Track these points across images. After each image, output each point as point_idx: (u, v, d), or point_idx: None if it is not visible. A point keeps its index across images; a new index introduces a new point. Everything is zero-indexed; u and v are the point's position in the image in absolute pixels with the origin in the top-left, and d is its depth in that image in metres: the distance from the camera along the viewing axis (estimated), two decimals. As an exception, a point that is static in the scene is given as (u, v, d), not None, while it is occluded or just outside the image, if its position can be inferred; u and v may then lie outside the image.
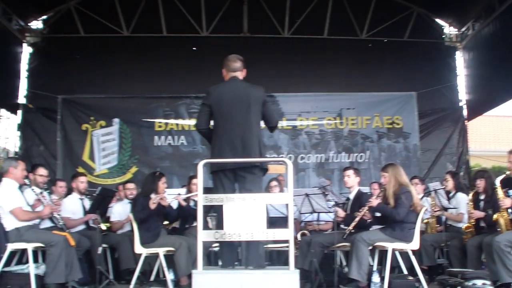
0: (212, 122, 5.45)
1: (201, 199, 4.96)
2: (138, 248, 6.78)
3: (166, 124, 12.21)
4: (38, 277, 6.17)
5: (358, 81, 12.23)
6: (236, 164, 5.20)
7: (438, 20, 13.03)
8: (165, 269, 6.67)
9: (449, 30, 13.04)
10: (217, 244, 7.16)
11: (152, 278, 7.21)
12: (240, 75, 5.55)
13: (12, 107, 12.63)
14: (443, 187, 7.98)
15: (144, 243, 6.76)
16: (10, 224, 6.19)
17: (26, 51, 12.87)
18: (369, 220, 6.75)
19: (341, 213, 7.11)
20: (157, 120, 12.20)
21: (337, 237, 6.69)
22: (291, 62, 12.02)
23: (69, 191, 8.15)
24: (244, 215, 4.86)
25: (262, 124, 5.49)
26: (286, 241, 4.94)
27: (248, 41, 12.22)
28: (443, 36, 13.01)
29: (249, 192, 5.07)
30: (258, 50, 11.39)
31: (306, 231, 8.11)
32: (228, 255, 5.30)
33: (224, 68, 5.60)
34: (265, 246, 6.32)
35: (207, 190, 5.14)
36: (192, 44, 12.45)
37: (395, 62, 12.33)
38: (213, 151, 5.40)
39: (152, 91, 12.23)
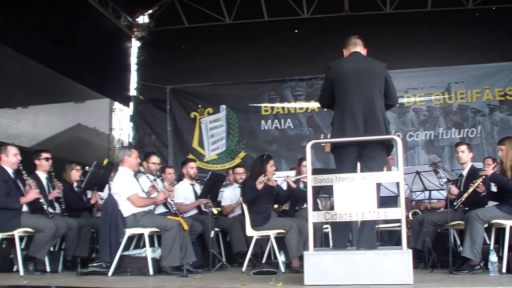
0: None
1: (311, 180, 4.93)
2: (249, 231, 6.85)
3: (272, 108, 12.25)
4: (155, 261, 6.39)
5: (465, 53, 11.66)
6: (358, 141, 5.07)
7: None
8: (276, 251, 6.71)
9: None
10: (327, 225, 7.17)
11: (264, 260, 7.27)
12: (361, 50, 5.40)
13: (125, 100, 13.22)
14: None
15: (255, 226, 6.82)
16: (127, 210, 6.44)
17: (134, 45, 13.42)
18: (483, 194, 6.43)
19: (454, 190, 6.81)
20: (263, 105, 12.27)
21: (450, 215, 6.43)
22: (395, 38, 11.65)
23: (181, 177, 8.38)
24: (355, 195, 4.79)
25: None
26: (398, 221, 4.82)
27: (349, 19, 11.99)
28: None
29: (371, 170, 4.96)
30: (360, 28, 11.09)
31: (417, 210, 7.88)
32: (340, 236, 5.24)
33: (344, 48, 5.47)
34: (377, 226, 6.19)
35: (316, 171, 5.11)
36: (294, 26, 12.38)
37: (504, 30, 11.62)
38: (334, 126, 5.28)
39: (257, 76, 12.29)
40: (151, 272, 6.21)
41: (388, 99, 5.33)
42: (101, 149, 13.10)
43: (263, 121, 12.26)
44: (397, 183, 5.16)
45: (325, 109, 5.18)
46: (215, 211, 7.72)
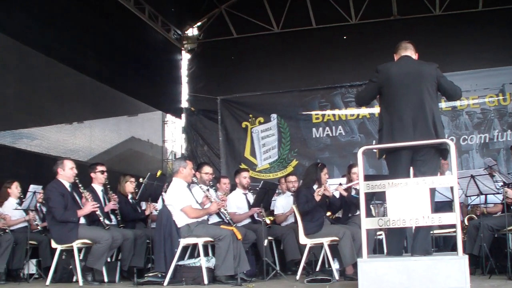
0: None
1: (363, 187, 4.88)
2: (303, 239, 6.83)
3: (323, 115, 12.23)
4: (209, 270, 6.42)
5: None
6: (410, 145, 4.99)
7: None
8: (330, 258, 6.66)
9: None
10: (381, 232, 7.08)
11: (318, 268, 7.23)
12: (412, 54, 5.32)
13: (177, 112, 13.43)
14: None
15: (309, 233, 6.79)
16: (181, 220, 6.50)
17: (184, 57, 13.64)
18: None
19: (511, 193, 6.63)
20: (313, 112, 12.26)
21: (508, 220, 6.25)
22: (445, 40, 11.47)
23: (233, 187, 8.42)
24: (408, 201, 4.72)
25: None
26: (453, 226, 4.72)
27: (398, 23, 11.88)
28: None
29: (424, 175, 4.87)
30: (409, 32, 11.00)
31: (473, 215, 7.69)
32: (394, 242, 5.16)
33: (395, 52, 5.41)
34: (431, 232, 6.07)
35: (369, 178, 5.05)
36: (342, 33, 12.36)
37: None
38: (382, 132, 5.19)
39: (307, 83, 12.30)
40: (205, 281, 6.24)
41: (449, 98, 5.26)
42: (155, 161, 13.31)
43: (314, 129, 12.25)
44: (452, 188, 5.04)
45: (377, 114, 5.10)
46: (268, 220, 7.72)
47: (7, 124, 9.57)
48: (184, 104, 13.38)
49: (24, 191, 7.96)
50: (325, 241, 6.70)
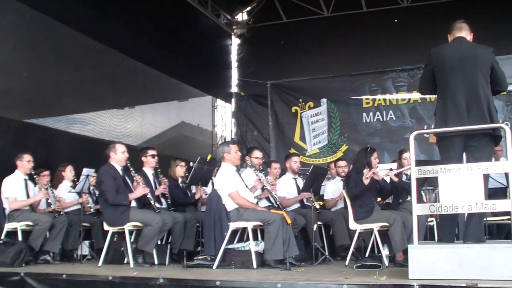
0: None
1: (414, 172, 4.80)
2: (353, 224, 6.77)
3: (374, 100, 12.06)
4: (258, 254, 6.44)
5: None
6: (463, 131, 4.89)
7: None
8: (380, 244, 6.59)
9: None
10: (432, 218, 6.97)
11: (367, 254, 7.17)
12: (466, 35, 5.18)
13: (226, 96, 13.50)
14: None
15: (358, 219, 6.72)
16: (231, 204, 6.53)
17: (234, 42, 13.66)
18: None
19: None
20: (364, 97, 12.11)
21: None
22: (500, 22, 11.07)
23: (283, 172, 8.41)
24: (461, 187, 4.62)
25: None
26: (507, 213, 4.60)
27: (450, 5, 11.51)
28: None
29: (477, 160, 4.76)
30: (462, 13, 10.59)
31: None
32: (446, 229, 5.07)
33: (449, 33, 5.27)
34: (484, 219, 5.93)
35: (420, 163, 4.96)
36: (393, 16, 12.12)
37: None
38: (436, 116, 5.12)
39: (357, 68, 12.13)
40: (254, 265, 6.25)
41: (496, 86, 5.07)
42: (205, 146, 13.42)
43: (364, 114, 12.11)
44: (506, 174, 4.91)
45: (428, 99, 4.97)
46: (317, 205, 7.69)
47: (62, 110, 9.82)
48: (234, 89, 13.43)
49: (78, 174, 8.16)
50: (375, 226, 6.62)
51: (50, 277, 6.03)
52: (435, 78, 5.11)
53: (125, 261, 6.97)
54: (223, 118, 14.04)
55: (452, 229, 5.15)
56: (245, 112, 12.99)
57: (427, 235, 7.00)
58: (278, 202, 7.22)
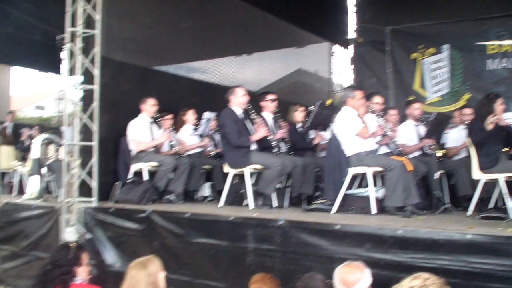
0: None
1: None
2: (477, 174, 6.51)
3: (500, 46, 11.39)
4: (377, 200, 6.39)
5: None
6: None
7: None
8: (506, 196, 6.29)
9: None
10: None
11: (491, 205, 6.89)
12: None
13: (343, 43, 13.27)
14: None
15: (483, 168, 6.46)
16: (351, 150, 6.48)
17: (352, -14, 13.26)
18: None
19: None
20: (489, 43, 11.46)
21: None
22: None
23: (403, 119, 8.22)
24: None
25: None
26: None
27: None
28: None
29: None
30: None
31: None
32: None
33: None
34: None
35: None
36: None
37: None
38: None
39: (482, 11, 11.42)
40: (373, 211, 6.23)
41: None
42: (322, 93, 13.33)
43: (489, 61, 11.47)
44: None
45: None
46: (439, 153, 7.46)
47: (182, 57, 10.09)
48: (352, 35, 13.15)
49: (199, 118, 8.41)
50: (501, 177, 6.33)
51: (174, 215, 6.34)
52: None
53: (245, 203, 7.13)
54: (340, 65, 13.86)
55: None
56: (363, 59, 12.70)
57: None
58: (399, 149, 7.08)
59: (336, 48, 13.83)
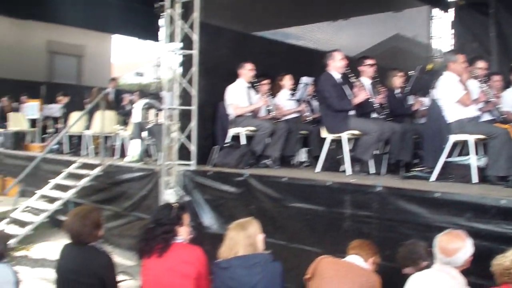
0: None
1: None
2: None
3: None
4: (479, 169, 6.18)
5: None
6: None
7: None
8: None
9: None
10: None
11: None
12: None
13: (444, 6, 12.78)
14: None
15: None
16: (452, 116, 6.29)
17: None
18: None
19: None
20: None
21: None
22: None
23: (508, 85, 7.87)
24: None
25: None
26: None
27: None
28: None
29: None
30: None
31: None
32: None
33: None
34: None
35: None
36: None
37: None
38: None
39: None
40: (474, 180, 6.04)
41: None
42: (420, 59, 12.93)
43: None
44: None
45: None
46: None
47: (279, 23, 10.10)
48: (452, -3, 12.65)
49: (295, 84, 8.41)
50: None
51: (272, 179, 6.43)
52: None
53: (341, 169, 7.10)
54: (440, 29, 13.38)
55: None
56: (465, 23, 12.17)
57: None
58: (503, 116, 6.80)
59: (436, 11, 13.34)
